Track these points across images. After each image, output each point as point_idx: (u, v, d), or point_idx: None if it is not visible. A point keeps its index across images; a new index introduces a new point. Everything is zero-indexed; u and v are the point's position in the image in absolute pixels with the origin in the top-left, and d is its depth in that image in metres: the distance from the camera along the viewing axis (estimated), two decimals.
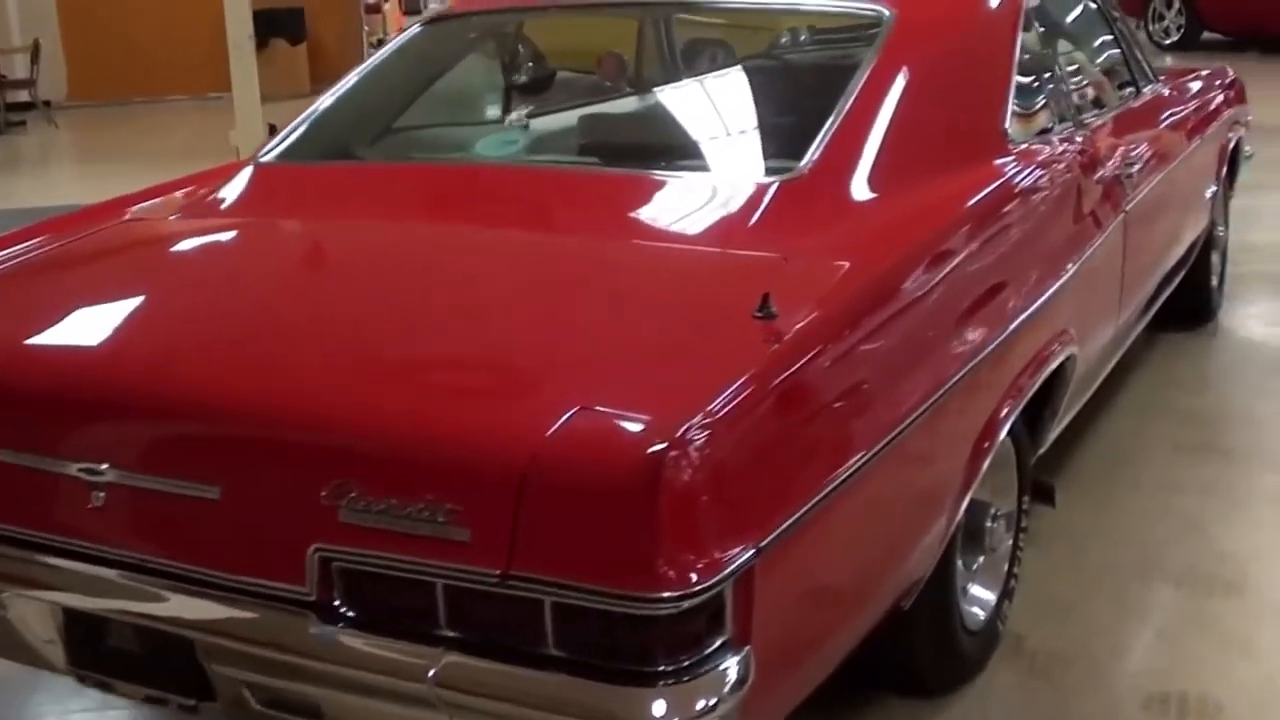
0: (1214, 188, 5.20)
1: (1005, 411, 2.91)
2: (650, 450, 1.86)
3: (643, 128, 3.84)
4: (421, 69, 3.99)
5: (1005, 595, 3.14)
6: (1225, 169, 5.43)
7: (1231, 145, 5.54)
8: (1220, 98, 5.44)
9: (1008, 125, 3.28)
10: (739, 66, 4.12)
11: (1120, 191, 3.77)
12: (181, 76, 15.64)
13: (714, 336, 2.25)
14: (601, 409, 1.97)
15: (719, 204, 2.89)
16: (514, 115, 4.09)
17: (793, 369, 2.16)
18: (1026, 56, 3.55)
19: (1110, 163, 3.75)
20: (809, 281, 2.44)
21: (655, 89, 4.26)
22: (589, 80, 4.66)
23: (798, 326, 2.21)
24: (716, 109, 3.84)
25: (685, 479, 1.88)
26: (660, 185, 3.02)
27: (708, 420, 1.94)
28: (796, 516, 2.07)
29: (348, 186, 3.27)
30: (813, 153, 2.85)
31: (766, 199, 2.78)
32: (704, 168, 3.21)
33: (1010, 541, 3.16)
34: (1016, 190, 3.13)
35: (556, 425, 1.93)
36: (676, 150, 3.34)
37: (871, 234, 2.71)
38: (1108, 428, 4.50)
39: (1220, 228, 5.69)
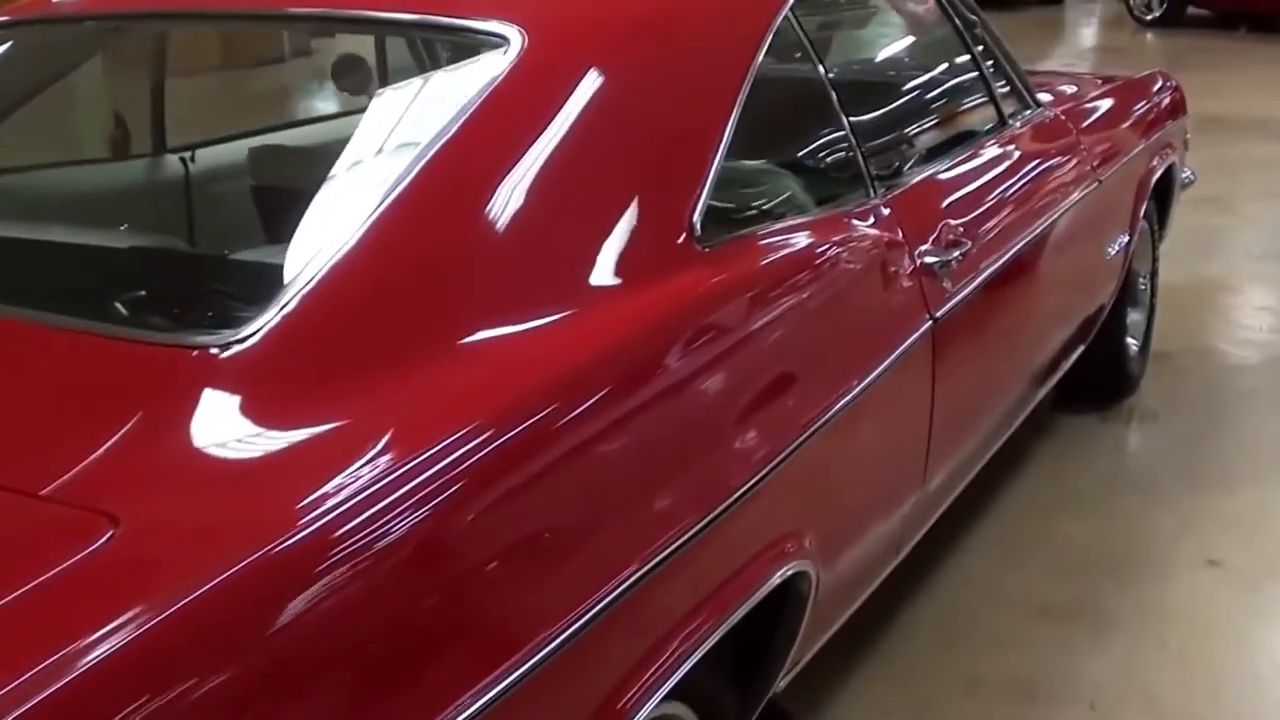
0: (1125, 238, 3.95)
1: (652, 678, 1.71)
2: None
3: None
4: None
5: None
6: (1146, 207, 4.18)
7: (1159, 174, 4.29)
8: (1143, 116, 4.21)
9: (697, 219, 2.05)
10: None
11: (928, 289, 2.54)
12: None
13: None
14: None
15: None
16: None
17: None
18: (775, 95, 2.33)
19: (911, 249, 2.53)
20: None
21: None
22: None
23: None
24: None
25: None
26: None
27: None
28: None
29: None
30: (284, 301, 1.63)
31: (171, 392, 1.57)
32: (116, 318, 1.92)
33: None
34: (681, 329, 1.90)
35: None
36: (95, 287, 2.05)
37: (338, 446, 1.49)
38: (944, 576, 3.28)
39: (1143, 279, 4.45)
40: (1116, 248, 3.89)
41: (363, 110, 2.21)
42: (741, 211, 2.28)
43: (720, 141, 2.15)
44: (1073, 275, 3.57)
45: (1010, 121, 3.31)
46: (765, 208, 2.33)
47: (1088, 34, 14.51)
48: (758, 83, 2.31)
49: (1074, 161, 3.51)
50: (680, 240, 2.01)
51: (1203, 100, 9.75)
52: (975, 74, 3.29)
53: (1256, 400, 4.41)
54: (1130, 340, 4.40)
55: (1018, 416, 3.43)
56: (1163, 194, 4.50)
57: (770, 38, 2.39)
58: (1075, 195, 3.42)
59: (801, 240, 2.26)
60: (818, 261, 2.25)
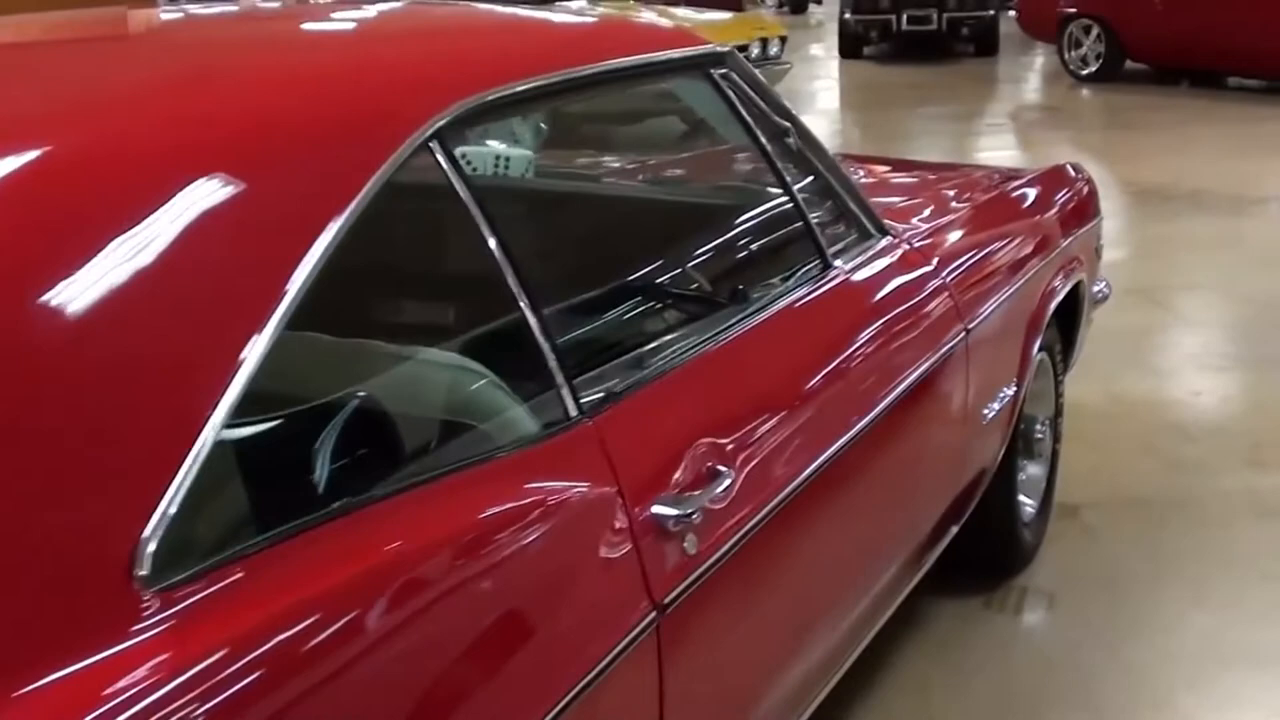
0: (1010, 390, 3.09)
1: None
2: None
3: None
4: None
5: None
6: (1044, 338, 3.32)
7: (1060, 297, 3.44)
8: (1042, 226, 3.38)
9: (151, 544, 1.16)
10: None
11: (652, 563, 1.68)
12: None
13: None
14: None
15: None
16: None
17: None
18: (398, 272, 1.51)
19: (629, 501, 1.65)
20: None
21: None
22: None
23: None
24: None
25: None
26: None
27: None
28: None
29: None
30: None
31: None
32: None
33: None
34: None
35: None
36: None
37: None
38: None
39: (1041, 426, 3.59)
40: (998, 404, 3.03)
41: None
42: (288, 496, 1.38)
43: (229, 380, 1.25)
44: (929, 458, 2.71)
45: (835, 264, 2.43)
46: (333, 482, 1.43)
47: (1021, 89, 13.79)
48: (352, 252, 1.43)
49: (931, 308, 2.65)
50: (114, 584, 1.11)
51: (1136, 167, 9.05)
52: (783, 203, 2.42)
53: (1180, 578, 3.54)
54: (1024, 502, 3.54)
55: (853, 646, 2.55)
56: (1068, 316, 3.64)
57: (377, 187, 1.50)
58: (929, 357, 2.56)
59: (391, 542, 1.36)
60: (423, 581, 1.35)
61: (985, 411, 2.95)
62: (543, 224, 2.68)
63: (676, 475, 1.76)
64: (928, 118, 11.85)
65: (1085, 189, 3.86)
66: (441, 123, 1.66)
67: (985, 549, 3.40)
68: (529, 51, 2.06)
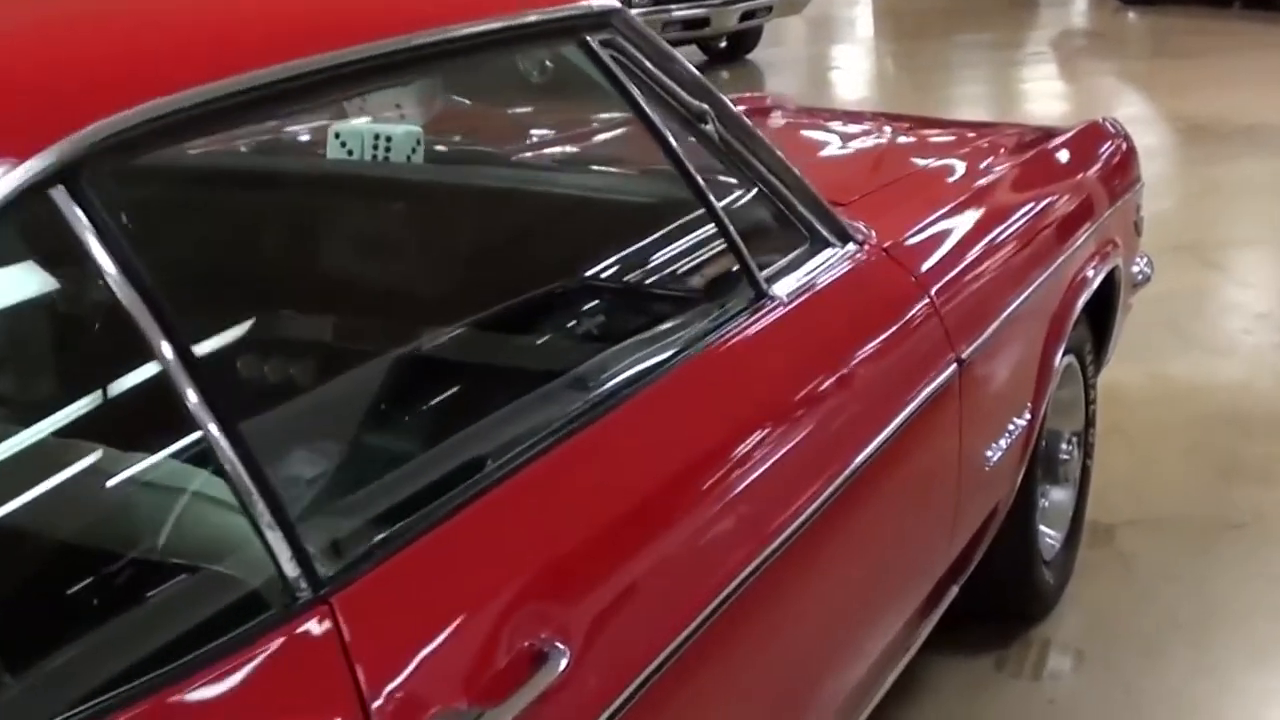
0: (1023, 419, 2.46)
1: None
2: None
3: None
4: None
5: None
6: (1072, 338, 2.69)
7: (1093, 288, 2.80)
8: (1067, 207, 2.74)
9: None
10: None
11: None
12: None
13: None
14: None
15: None
16: None
17: None
18: None
19: None
20: None
21: None
22: None
23: None
24: None
25: None
26: None
27: None
28: None
29: None
30: None
31: None
32: None
33: None
34: None
35: None
36: None
37: None
38: None
39: (1068, 444, 2.95)
40: (1007, 440, 2.41)
41: None
42: None
43: None
44: (908, 535, 2.11)
45: (771, 290, 1.80)
46: None
47: (1064, 14, 12.93)
48: None
49: (908, 337, 2.02)
50: None
51: (1185, 99, 8.24)
52: (691, 214, 1.80)
53: (1232, 625, 2.92)
54: (1046, 535, 2.92)
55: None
56: (1101, 307, 3.00)
57: None
58: (905, 405, 1.94)
59: None
60: None
61: (989, 454, 2.33)
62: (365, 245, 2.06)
63: (467, 673, 1.15)
64: (965, 47, 11.10)
65: (1122, 150, 3.21)
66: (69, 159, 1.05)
67: (997, 598, 2.78)
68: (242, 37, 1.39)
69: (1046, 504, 2.93)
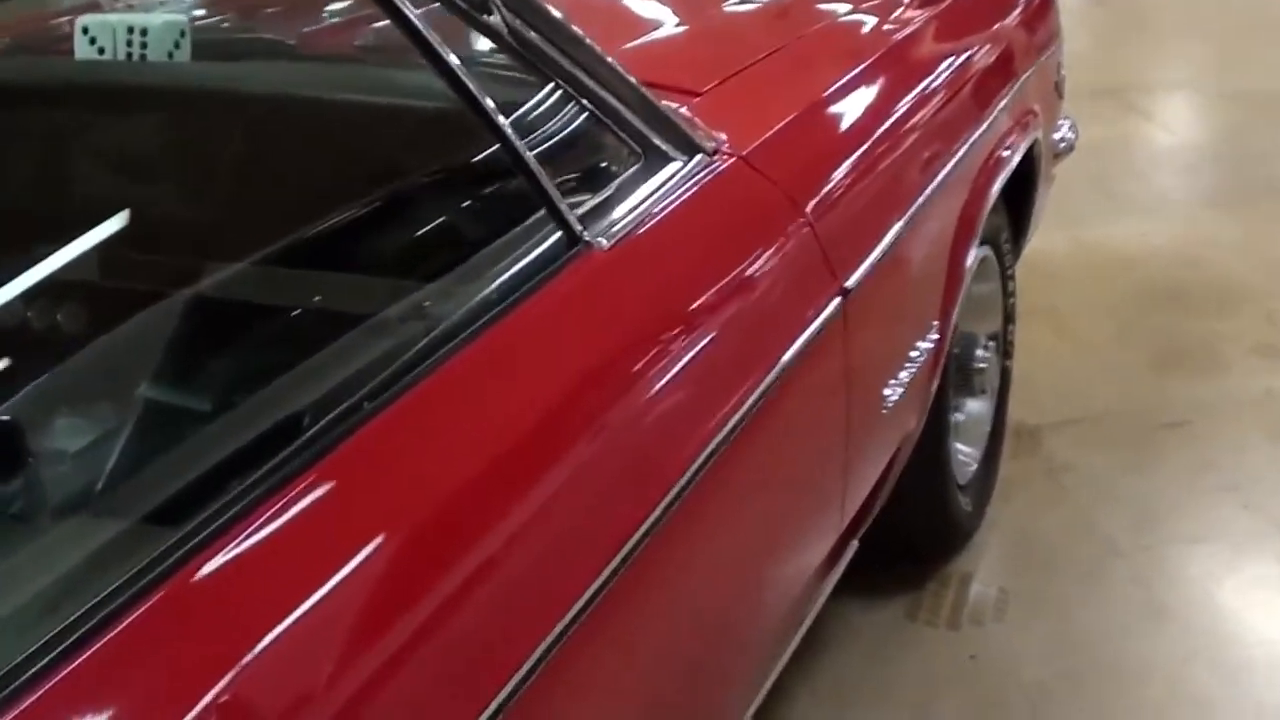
0: (930, 340, 2.05)
1: None
2: None
3: None
4: None
5: None
6: (987, 227, 2.28)
7: (1009, 168, 2.38)
8: (977, 75, 2.31)
9: None
10: None
11: None
12: None
13: None
14: None
15: None
16: None
17: None
18: None
19: None
20: None
21: None
22: None
23: None
24: None
25: None
26: None
27: None
28: None
29: None
30: None
31: None
32: None
33: None
34: None
35: None
36: None
37: None
38: None
39: (984, 348, 2.55)
40: (909, 371, 2.00)
41: None
42: None
43: None
44: (789, 501, 1.70)
45: (587, 234, 1.35)
46: None
47: None
48: None
49: (773, 266, 1.59)
50: None
51: None
52: (467, 140, 1.35)
53: (1179, 540, 2.57)
54: (962, 454, 2.53)
55: None
56: (1019, 185, 2.58)
57: None
58: (775, 358, 1.51)
59: None
60: None
61: (886, 394, 1.91)
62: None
63: None
64: None
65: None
66: None
67: (905, 535, 2.40)
68: None
69: (961, 418, 2.54)
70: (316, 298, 1.33)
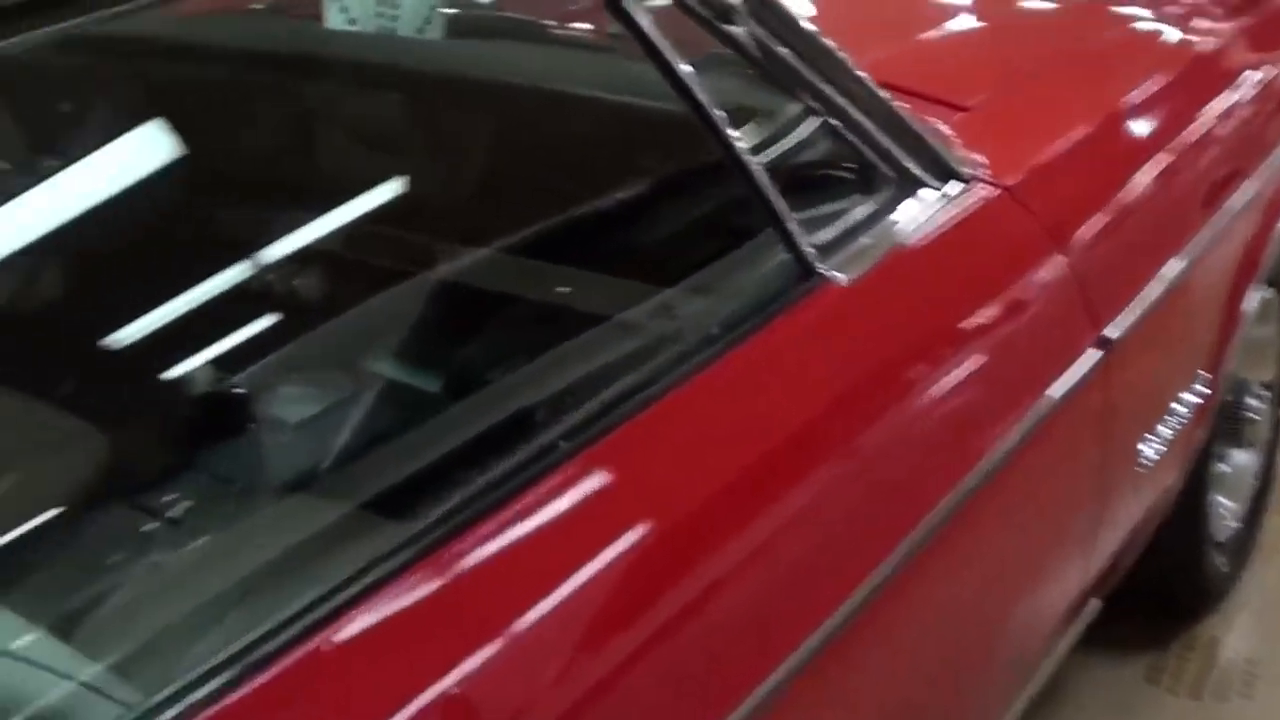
0: (1193, 396, 1.87)
1: None
2: None
3: None
4: None
5: None
6: (1260, 281, 2.10)
7: None
8: (1251, 118, 2.10)
9: None
10: None
11: None
12: None
13: None
14: None
15: None
16: None
17: None
18: None
19: None
20: None
21: None
22: None
23: None
24: None
25: None
26: None
27: None
28: None
29: None
30: None
31: None
32: None
33: None
34: None
35: None
36: None
37: None
38: None
39: (1254, 399, 2.35)
40: (1170, 429, 1.82)
41: None
42: None
43: None
44: (1025, 562, 1.57)
45: (821, 268, 1.24)
46: None
47: None
48: None
49: (1030, 312, 1.45)
50: None
51: None
52: (700, 161, 1.24)
53: None
54: (1222, 508, 2.33)
55: None
56: None
57: None
58: (1022, 414, 1.38)
59: None
60: None
61: (1144, 451, 1.75)
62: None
63: None
64: None
65: None
66: None
67: (1152, 591, 2.22)
68: None
69: (1225, 470, 2.33)
70: (559, 289, 1.28)
